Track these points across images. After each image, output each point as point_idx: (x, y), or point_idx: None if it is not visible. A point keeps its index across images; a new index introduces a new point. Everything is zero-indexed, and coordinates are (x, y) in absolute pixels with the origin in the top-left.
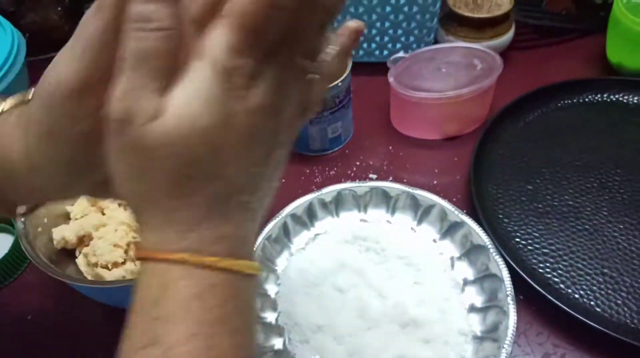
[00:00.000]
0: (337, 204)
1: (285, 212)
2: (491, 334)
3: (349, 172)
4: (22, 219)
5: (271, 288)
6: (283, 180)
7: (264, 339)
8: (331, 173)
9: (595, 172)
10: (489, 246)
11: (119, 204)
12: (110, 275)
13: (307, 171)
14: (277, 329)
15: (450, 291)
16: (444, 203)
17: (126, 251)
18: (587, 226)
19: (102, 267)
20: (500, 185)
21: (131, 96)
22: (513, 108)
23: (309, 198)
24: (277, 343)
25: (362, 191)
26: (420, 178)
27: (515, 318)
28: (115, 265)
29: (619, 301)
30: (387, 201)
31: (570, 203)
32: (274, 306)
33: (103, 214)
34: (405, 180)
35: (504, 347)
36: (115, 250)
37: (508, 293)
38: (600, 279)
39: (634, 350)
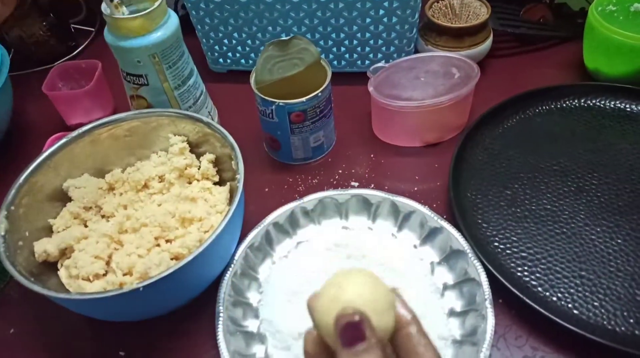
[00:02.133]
0: (319, 212)
1: (268, 221)
2: (470, 338)
3: (332, 180)
4: (3, 233)
5: (253, 297)
6: (266, 189)
7: (245, 347)
8: (314, 181)
9: (573, 176)
10: (468, 251)
11: (102, 216)
12: (91, 287)
13: (290, 179)
14: (258, 337)
15: (430, 296)
16: (424, 209)
17: (107, 263)
18: (564, 230)
19: (84, 279)
20: (479, 190)
21: None
22: (491, 115)
23: (291, 206)
24: (259, 351)
25: (343, 198)
26: (401, 185)
27: (494, 321)
28: (97, 276)
29: (596, 304)
30: (368, 208)
31: (548, 206)
32: (256, 315)
33: (85, 226)
34: (386, 187)
35: (482, 351)
36: (96, 261)
37: (486, 297)
38: (578, 282)
39: (610, 352)
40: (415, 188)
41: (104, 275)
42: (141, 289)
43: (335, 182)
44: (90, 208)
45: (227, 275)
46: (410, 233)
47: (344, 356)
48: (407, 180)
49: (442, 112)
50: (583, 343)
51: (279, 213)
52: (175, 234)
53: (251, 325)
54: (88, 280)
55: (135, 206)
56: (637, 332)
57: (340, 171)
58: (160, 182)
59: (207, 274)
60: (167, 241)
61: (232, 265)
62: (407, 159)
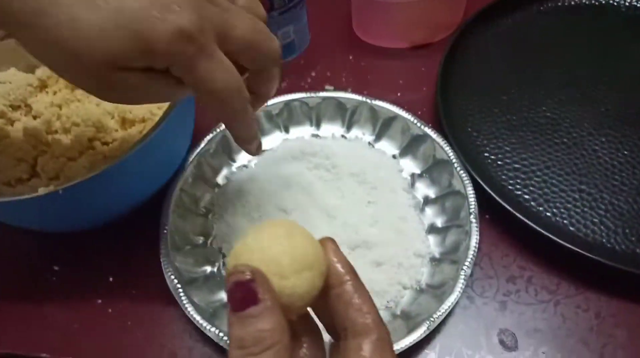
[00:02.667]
0: (285, 117)
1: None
2: (450, 256)
3: (303, 84)
4: None
5: (207, 209)
6: None
7: (194, 263)
8: (282, 85)
9: (578, 82)
10: (454, 160)
11: (34, 117)
12: (13, 193)
13: None
14: (211, 252)
15: (408, 210)
16: (406, 115)
17: (33, 167)
18: (565, 140)
19: (4, 184)
20: (471, 96)
21: None
22: (488, 13)
23: None
24: (211, 268)
25: (314, 102)
26: (382, 91)
27: (478, 238)
28: (20, 181)
29: (596, 220)
30: (343, 113)
31: (548, 114)
32: (209, 228)
33: (12, 125)
34: (365, 92)
35: (462, 269)
36: (19, 164)
37: (471, 210)
38: (577, 196)
39: (607, 271)
40: (399, 94)
41: (28, 179)
42: (60, 192)
43: (307, 86)
44: (19, 106)
45: (175, 184)
46: (389, 142)
47: (233, 322)
48: (389, 85)
49: (433, 8)
50: (578, 262)
51: None
52: (113, 136)
53: (203, 239)
54: (9, 184)
55: (71, 107)
56: (638, 250)
57: (313, 75)
58: None
59: (147, 180)
60: (103, 143)
61: (182, 174)
62: (391, 62)
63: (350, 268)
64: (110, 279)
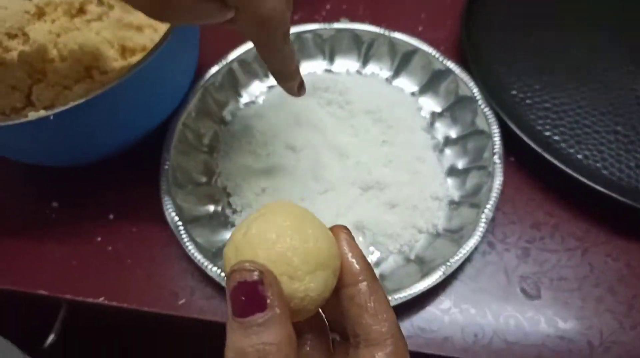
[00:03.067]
0: (297, 51)
1: (232, 57)
2: (470, 199)
3: (317, 17)
4: None
5: (212, 145)
6: None
7: (196, 202)
8: (295, 17)
9: (620, 20)
10: (478, 97)
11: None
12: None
13: None
14: (215, 191)
15: (426, 151)
16: (428, 48)
17: (27, 96)
18: (600, 79)
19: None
20: (499, 32)
21: None
22: None
23: None
24: (215, 207)
25: (328, 34)
26: (403, 25)
27: (502, 179)
28: (14, 110)
29: (632, 164)
30: (359, 47)
31: (581, 56)
32: (214, 166)
33: (8, 51)
34: (384, 25)
35: (483, 212)
36: (13, 92)
37: (496, 150)
38: (612, 138)
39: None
40: (420, 29)
41: (23, 108)
42: (51, 118)
43: (321, 19)
44: (16, 35)
45: (178, 118)
46: (408, 78)
47: (233, 328)
48: (410, 20)
49: None
50: (610, 208)
51: (246, 49)
52: (112, 66)
53: (206, 177)
54: (4, 113)
55: (70, 35)
56: None
57: (328, 7)
58: (99, 6)
59: (145, 111)
60: (102, 72)
61: (185, 107)
62: None
63: (366, 265)
64: (110, 216)
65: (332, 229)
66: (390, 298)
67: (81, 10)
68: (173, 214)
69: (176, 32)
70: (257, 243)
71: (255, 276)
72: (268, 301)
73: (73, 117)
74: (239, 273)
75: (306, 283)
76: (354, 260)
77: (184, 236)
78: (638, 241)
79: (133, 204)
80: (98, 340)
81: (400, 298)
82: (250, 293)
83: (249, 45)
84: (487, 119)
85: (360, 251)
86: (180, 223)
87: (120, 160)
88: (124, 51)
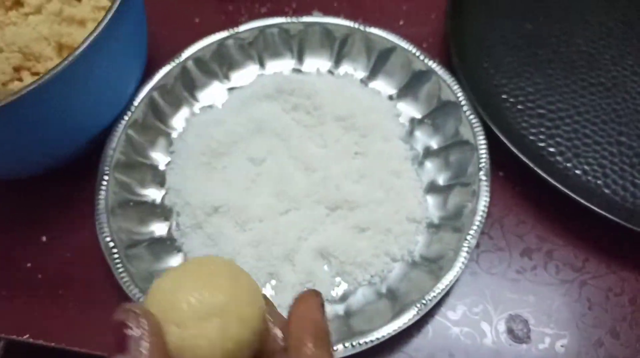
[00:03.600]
0: (261, 48)
1: (186, 55)
2: (452, 221)
3: (287, 9)
4: None
5: (159, 158)
6: (196, 19)
7: (138, 223)
8: (262, 10)
9: (623, 8)
10: (463, 103)
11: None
12: None
13: (231, 7)
14: (161, 211)
15: (403, 164)
16: (408, 46)
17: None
18: (602, 80)
19: None
20: (489, 24)
21: None
22: None
23: (219, 37)
24: (159, 229)
25: (295, 29)
26: (381, 19)
27: (488, 199)
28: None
29: (637, 180)
30: (331, 44)
31: (584, 48)
32: (160, 181)
33: None
34: (360, 20)
35: (466, 239)
36: None
37: (482, 165)
38: (615, 150)
39: None
40: (401, 22)
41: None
42: None
43: (291, 12)
44: None
45: (121, 125)
46: (386, 80)
47: None
48: (390, 12)
49: None
50: (612, 233)
51: (202, 46)
52: (47, 66)
53: (152, 194)
54: None
55: (5, 30)
56: None
57: None
58: None
59: (79, 116)
60: (33, 74)
61: (130, 112)
62: None
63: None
64: (43, 238)
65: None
66: (355, 343)
67: (17, 2)
68: (107, 239)
69: (116, 22)
70: (160, 290)
71: (125, 318)
72: (129, 345)
73: None
74: (118, 313)
75: (194, 331)
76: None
77: (118, 266)
78: None
79: (69, 225)
80: None
81: (367, 342)
82: (118, 333)
83: (207, 40)
84: (473, 128)
85: (281, 316)
86: (115, 249)
87: (56, 174)
88: (62, 48)
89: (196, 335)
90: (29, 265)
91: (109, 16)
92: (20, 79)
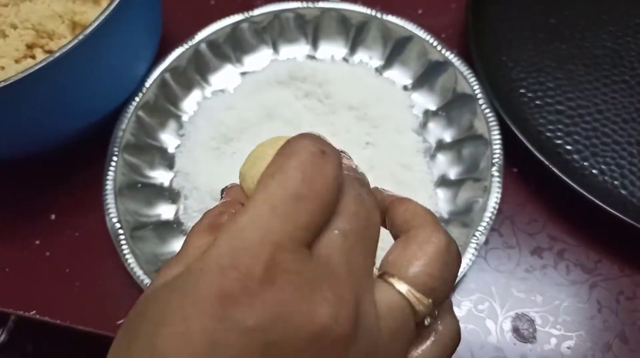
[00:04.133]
0: (277, 32)
1: (199, 37)
2: (461, 216)
3: None
4: None
5: (169, 140)
6: (212, 1)
7: (145, 205)
8: None
9: None
10: (479, 96)
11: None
12: None
13: None
14: (169, 194)
15: (415, 156)
16: (425, 36)
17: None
18: (626, 78)
19: None
20: (510, 16)
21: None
22: None
23: (234, 20)
24: (166, 211)
25: (311, 14)
26: (400, 6)
27: (499, 196)
28: None
29: None
30: (347, 30)
31: (609, 44)
32: (169, 164)
33: None
34: (378, 7)
35: (475, 235)
36: None
37: (495, 160)
38: (634, 151)
39: None
40: (420, 11)
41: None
42: None
43: None
44: None
45: (131, 106)
46: (401, 69)
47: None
48: (409, 0)
49: None
50: (627, 236)
51: (216, 29)
52: (60, 43)
53: (160, 176)
54: None
55: (17, 8)
56: None
57: None
58: None
59: (90, 95)
60: (46, 52)
61: (142, 93)
62: None
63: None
64: (52, 217)
65: None
66: None
67: None
68: (115, 220)
69: (130, 1)
70: (245, 163)
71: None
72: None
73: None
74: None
75: None
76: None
77: (124, 247)
78: None
79: (78, 204)
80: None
81: None
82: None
83: (221, 23)
84: (488, 123)
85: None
86: (121, 231)
87: (67, 155)
88: (75, 27)
89: None
90: (37, 242)
91: None
92: (33, 57)
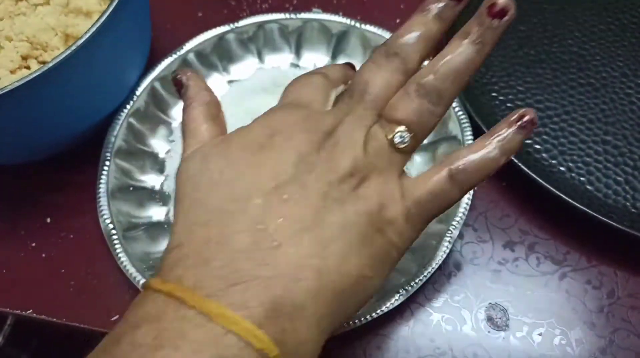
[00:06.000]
0: (261, 42)
1: (188, 47)
2: None
3: (287, 6)
4: None
5: (160, 145)
6: (199, 14)
7: (137, 207)
8: (264, 5)
9: (615, 9)
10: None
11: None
12: None
13: (233, 3)
14: (160, 197)
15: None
16: None
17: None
18: (592, 80)
19: None
20: None
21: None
22: None
23: (220, 31)
24: (157, 213)
25: (294, 25)
26: (379, 17)
27: (472, 193)
28: None
29: (620, 179)
30: (328, 40)
31: (575, 49)
32: (160, 168)
33: None
34: (359, 17)
35: (449, 229)
36: None
37: None
38: (600, 149)
39: (629, 242)
40: (398, 21)
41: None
42: None
43: (292, 8)
44: None
45: (123, 114)
46: None
47: None
48: (388, 10)
49: None
50: (593, 229)
51: (203, 39)
52: (53, 55)
53: (151, 180)
54: None
55: (12, 21)
56: None
57: None
58: None
59: (84, 104)
60: (40, 63)
61: (132, 101)
62: None
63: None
64: (48, 220)
65: None
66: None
67: None
68: (108, 222)
69: (119, 14)
70: None
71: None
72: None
73: None
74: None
75: None
76: None
77: (117, 246)
78: (624, 267)
79: (72, 207)
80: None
81: (351, 324)
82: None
83: (208, 34)
84: (461, 124)
85: None
86: (114, 232)
87: (60, 160)
88: (68, 38)
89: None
90: (33, 244)
91: (111, 8)
92: (27, 67)
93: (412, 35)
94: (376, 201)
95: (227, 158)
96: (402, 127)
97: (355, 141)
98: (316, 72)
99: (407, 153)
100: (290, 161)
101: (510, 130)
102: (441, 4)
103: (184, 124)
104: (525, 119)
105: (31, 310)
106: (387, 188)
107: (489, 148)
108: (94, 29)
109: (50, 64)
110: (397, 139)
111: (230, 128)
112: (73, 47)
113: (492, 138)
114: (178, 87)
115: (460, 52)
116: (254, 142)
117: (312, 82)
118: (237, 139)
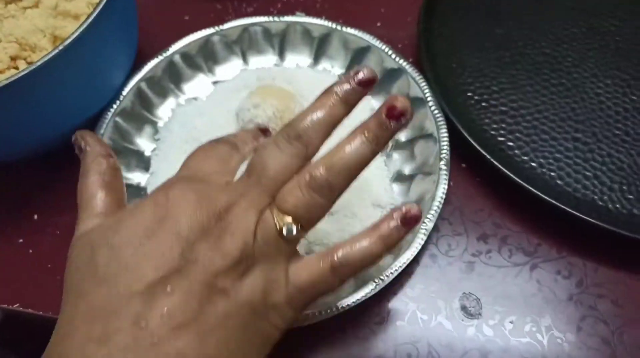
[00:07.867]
0: (246, 45)
1: (173, 49)
2: None
3: (272, 9)
4: None
5: (145, 144)
6: (186, 17)
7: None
8: (249, 9)
9: (587, 14)
10: (429, 99)
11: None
12: None
13: (219, 6)
14: (145, 193)
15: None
16: (381, 46)
17: None
18: (564, 81)
19: None
20: (460, 28)
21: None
22: None
23: (206, 33)
24: None
25: (277, 28)
26: (360, 20)
27: (446, 187)
28: None
29: (589, 174)
30: (310, 42)
31: (548, 51)
32: (145, 166)
33: None
34: (341, 21)
35: (424, 222)
36: None
37: (443, 156)
38: (570, 146)
39: (596, 233)
40: (379, 24)
41: None
42: None
43: (275, 12)
44: None
45: (109, 113)
46: None
47: None
48: (369, 14)
49: None
50: (563, 222)
51: (189, 41)
52: (41, 55)
53: (137, 178)
54: None
55: (4, 23)
56: (635, 211)
57: (283, 0)
58: None
59: (70, 102)
60: (28, 63)
61: (118, 101)
62: None
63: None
64: (35, 217)
65: None
66: (317, 312)
67: None
68: None
69: (106, 16)
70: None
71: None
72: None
73: None
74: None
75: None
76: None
77: None
78: (592, 258)
79: (59, 204)
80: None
81: (329, 311)
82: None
83: (193, 36)
84: (437, 123)
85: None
86: None
87: (48, 158)
88: (56, 40)
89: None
90: (20, 240)
91: (97, 10)
92: (16, 68)
93: (317, 118)
94: (261, 289)
95: (113, 249)
96: (290, 219)
97: (247, 227)
98: (224, 141)
99: (294, 241)
100: (176, 251)
101: (393, 227)
102: (348, 88)
103: (78, 194)
104: (409, 215)
105: (18, 304)
106: (272, 274)
107: (372, 245)
108: (80, 30)
109: (37, 64)
110: (285, 231)
111: (215, 126)
112: (60, 48)
113: (375, 233)
114: (77, 151)
115: (356, 149)
116: (143, 228)
117: (217, 153)
118: (126, 224)
